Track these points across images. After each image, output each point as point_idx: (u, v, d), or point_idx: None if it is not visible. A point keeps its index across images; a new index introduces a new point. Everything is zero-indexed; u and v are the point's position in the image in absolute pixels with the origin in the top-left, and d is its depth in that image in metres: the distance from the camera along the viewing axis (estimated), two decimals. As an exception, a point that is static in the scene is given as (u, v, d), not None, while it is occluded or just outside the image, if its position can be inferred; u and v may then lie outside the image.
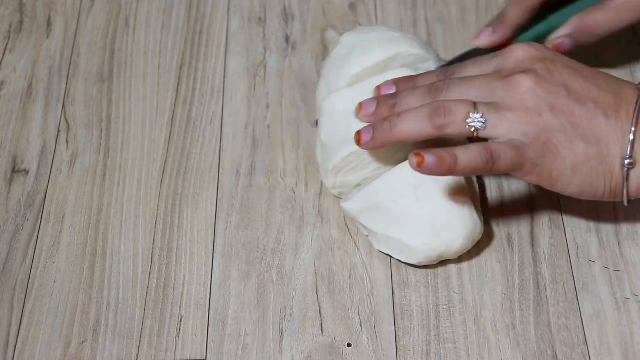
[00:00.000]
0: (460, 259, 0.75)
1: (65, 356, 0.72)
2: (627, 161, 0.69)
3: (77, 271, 0.76)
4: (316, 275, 0.75)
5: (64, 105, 0.86)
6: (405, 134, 0.71)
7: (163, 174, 0.81)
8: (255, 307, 0.73)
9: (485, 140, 0.70)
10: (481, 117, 0.69)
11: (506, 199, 0.78)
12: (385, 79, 0.76)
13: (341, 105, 0.76)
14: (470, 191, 0.75)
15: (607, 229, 0.76)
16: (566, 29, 0.78)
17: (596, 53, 0.83)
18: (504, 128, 0.69)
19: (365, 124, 0.74)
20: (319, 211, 0.78)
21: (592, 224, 0.76)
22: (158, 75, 0.88)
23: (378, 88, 0.76)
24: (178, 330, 0.73)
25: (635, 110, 0.69)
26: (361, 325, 0.72)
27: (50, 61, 0.89)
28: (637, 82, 0.83)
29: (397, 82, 0.76)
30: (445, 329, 0.72)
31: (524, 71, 0.70)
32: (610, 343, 0.71)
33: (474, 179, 0.77)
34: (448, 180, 0.73)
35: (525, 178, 0.70)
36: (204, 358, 0.71)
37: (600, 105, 0.70)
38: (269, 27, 0.91)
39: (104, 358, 0.72)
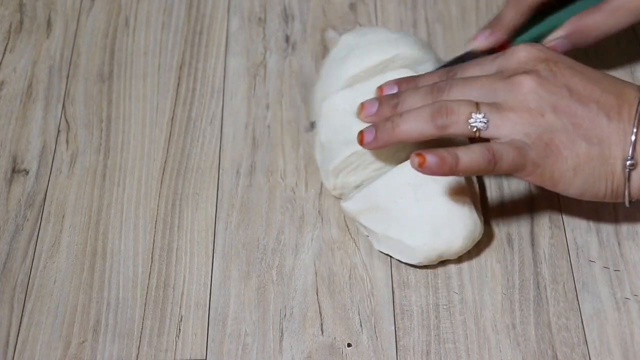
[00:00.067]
0: (460, 259, 0.75)
1: (65, 356, 0.72)
2: (628, 162, 0.69)
3: (77, 271, 0.76)
4: (316, 275, 0.75)
5: (64, 105, 0.86)
6: (407, 133, 0.71)
7: (163, 174, 0.81)
8: (255, 307, 0.73)
9: (487, 140, 0.70)
10: (483, 117, 0.69)
11: (506, 199, 0.78)
12: (386, 80, 0.76)
13: (340, 106, 0.76)
14: (470, 191, 0.75)
15: (607, 229, 0.76)
16: (562, 31, 0.78)
17: (596, 53, 0.83)
18: (506, 128, 0.69)
19: (367, 124, 0.74)
20: (319, 211, 0.78)
21: (592, 224, 0.76)
22: (158, 75, 0.88)
23: (380, 88, 0.76)
24: (178, 330, 0.73)
25: (637, 111, 0.70)
26: (361, 325, 0.72)
27: (50, 61, 0.89)
28: (638, 83, 0.83)
29: (398, 82, 0.76)
30: (445, 329, 0.72)
31: (527, 72, 0.70)
32: (610, 343, 0.71)
33: (474, 179, 0.77)
34: (448, 180, 0.73)
35: (527, 178, 0.70)
36: (204, 358, 0.71)
37: (602, 106, 0.70)
38: (269, 27, 0.91)
39: (104, 358, 0.72)
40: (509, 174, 0.70)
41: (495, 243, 0.76)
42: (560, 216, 0.77)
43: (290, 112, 0.84)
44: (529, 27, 0.80)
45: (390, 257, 0.75)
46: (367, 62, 0.78)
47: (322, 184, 0.79)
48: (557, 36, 0.78)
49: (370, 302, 0.73)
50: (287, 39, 0.90)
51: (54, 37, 0.91)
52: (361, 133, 0.73)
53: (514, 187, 0.79)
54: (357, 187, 0.77)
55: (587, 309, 0.72)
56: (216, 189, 0.80)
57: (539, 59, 0.71)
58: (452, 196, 0.73)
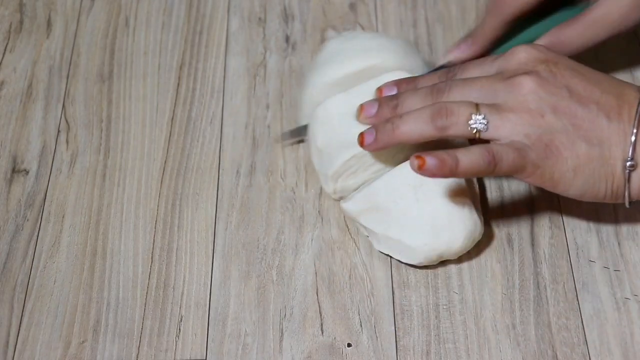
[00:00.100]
0: (460, 259, 0.75)
1: (65, 356, 0.72)
2: (628, 163, 0.69)
3: (77, 271, 0.76)
4: (316, 275, 0.75)
5: (64, 105, 0.86)
6: (407, 135, 0.71)
7: (163, 174, 0.81)
8: (255, 307, 0.73)
9: (487, 141, 0.70)
10: (483, 118, 0.69)
11: (506, 199, 0.78)
12: (383, 82, 0.76)
13: (335, 110, 0.76)
14: (470, 191, 0.75)
15: (607, 229, 0.76)
16: (541, 43, 0.78)
17: (596, 54, 0.83)
18: (506, 129, 0.69)
19: (365, 127, 0.74)
20: (319, 211, 0.78)
21: (592, 224, 0.76)
22: (158, 75, 0.88)
23: (379, 89, 0.76)
24: (178, 330, 0.73)
25: (637, 112, 0.69)
26: (361, 325, 0.72)
27: (50, 61, 0.89)
28: (637, 84, 0.83)
29: (398, 83, 0.76)
30: (445, 329, 0.72)
31: (527, 72, 0.70)
32: (610, 343, 0.71)
33: (474, 179, 0.77)
34: (448, 180, 0.73)
35: (527, 180, 0.70)
36: (204, 358, 0.71)
37: (602, 107, 0.70)
38: (269, 27, 0.91)
39: (104, 358, 0.72)
40: (509, 175, 0.70)
41: (495, 243, 0.76)
42: (560, 216, 0.77)
43: (290, 112, 0.84)
44: (509, 38, 0.80)
45: (390, 257, 0.75)
46: (346, 69, 0.79)
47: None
48: None
49: (370, 302, 0.73)
50: (287, 39, 0.90)
51: (54, 37, 0.91)
52: (361, 135, 0.73)
53: (514, 187, 0.79)
54: (357, 189, 0.77)
55: (587, 309, 0.72)
56: (216, 189, 0.80)
57: (539, 60, 0.71)
58: (452, 196, 0.73)
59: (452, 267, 0.75)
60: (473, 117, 0.69)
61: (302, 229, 0.77)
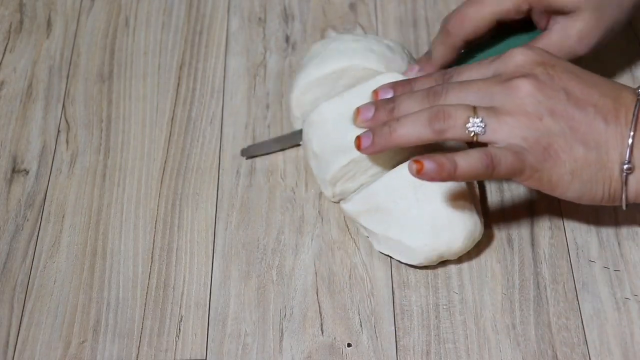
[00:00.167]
0: (460, 259, 0.75)
1: (65, 356, 0.72)
2: (625, 166, 0.69)
3: (77, 271, 0.76)
4: (316, 275, 0.75)
5: (64, 105, 0.86)
6: (404, 138, 0.71)
7: (163, 174, 0.81)
8: (255, 307, 0.73)
9: (484, 144, 0.70)
10: (481, 121, 0.69)
11: (506, 199, 0.78)
12: (379, 84, 0.76)
13: (330, 115, 0.76)
14: (470, 191, 0.75)
15: (607, 229, 0.76)
16: None
17: (597, 54, 0.83)
18: (504, 132, 0.69)
19: (362, 131, 0.74)
20: (319, 211, 0.78)
21: (592, 224, 0.76)
22: (158, 75, 0.88)
23: (375, 92, 0.76)
24: (178, 330, 0.73)
25: (634, 115, 0.69)
26: (361, 325, 0.72)
27: (50, 61, 0.89)
28: (637, 84, 0.83)
29: (394, 85, 0.76)
30: (445, 329, 0.72)
31: (524, 75, 0.70)
32: (610, 343, 0.71)
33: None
34: (448, 180, 0.73)
35: (525, 183, 0.70)
36: (204, 358, 0.71)
37: (599, 110, 0.70)
38: (269, 27, 0.91)
39: (104, 358, 0.72)
40: (507, 178, 0.70)
41: (495, 243, 0.76)
42: (560, 216, 0.77)
43: (290, 112, 0.84)
44: (464, 61, 0.80)
45: (390, 257, 0.75)
46: (321, 70, 0.79)
47: (322, 184, 0.79)
48: None
49: (370, 302, 0.73)
50: (287, 39, 0.90)
51: (54, 37, 0.91)
52: (358, 138, 0.73)
53: (514, 187, 0.79)
54: (357, 190, 0.77)
55: (587, 309, 0.72)
56: (216, 189, 0.80)
57: (537, 62, 0.71)
58: (452, 197, 0.73)
59: (452, 267, 0.75)
60: (471, 120, 0.69)
61: (302, 229, 0.77)
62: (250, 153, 0.81)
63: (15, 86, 0.87)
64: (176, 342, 0.72)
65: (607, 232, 0.76)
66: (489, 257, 0.75)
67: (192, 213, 0.79)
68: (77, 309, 0.74)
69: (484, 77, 0.72)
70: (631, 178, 0.70)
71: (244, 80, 0.87)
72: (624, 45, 0.86)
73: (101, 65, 0.88)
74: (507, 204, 0.78)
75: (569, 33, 0.76)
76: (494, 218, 0.77)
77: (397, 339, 0.72)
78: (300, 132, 0.80)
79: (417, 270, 0.75)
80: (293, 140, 0.81)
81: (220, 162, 0.82)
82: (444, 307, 0.73)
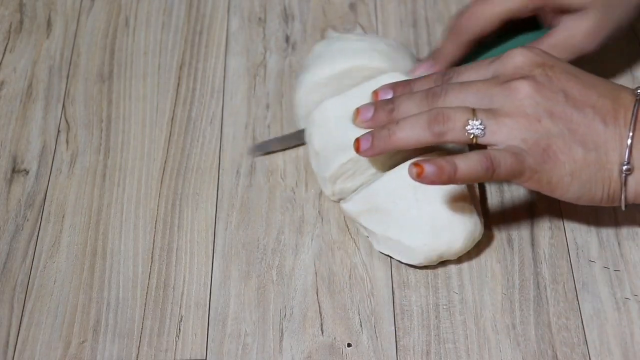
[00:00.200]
0: (460, 259, 0.75)
1: (65, 356, 0.72)
2: (624, 167, 0.69)
3: (77, 271, 0.76)
4: (316, 275, 0.75)
5: (64, 105, 0.86)
6: (404, 141, 0.71)
7: (163, 174, 0.81)
8: (255, 307, 0.73)
9: (484, 147, 0.70)
10: (480, 124, 0.69)
11: (506, 199, 0.78)
12: (379, 84, 0.76)
13: (332, 113, 0.76)
14: (470, 191, 0.75)
15: (607, 229, 0.76)
16: None
17: (596, 54, 0.83)
18: (503, 134, 0.69)
19: (362, 131, 0.74)
20: (319, 211, 0.78)
21: (592, 224, 0.76)
22: (158, 75, 0.88)
23: (375, 93, 0.76)
24: (178, 330, 0.73)
25: (632, 115, 0.70)
26: (361, 325, 0.72)
27: (50, 61, 0.89)
28: (637, 84, 0.83)
29: (393, 86, 0.76)
30: (445, 329, 0.72)
31: (523, 77, 0.70)
32: (610, 343, 0.71)
33: (474, 179, 0.77)
34: (448, 180, 0.73)
35: (524, 184, 0.70)
36: (204, 358, 0.71)
37: (598, 111, 0.70)
38: (269, 27, 0.91)
39: (104, 358, 0.72)
40: (507, 180, 0.70)
41: (495, 243, 0.76)
42: (560, 216, 0.77)
43: (290, 112, 0.84)
44: (472, 58, 0.80)
45: (390, 257, 0.75)
46: (326, 70, 0.79)
47: (322, 184, 0.79)
48: None
49: (370, 302, 0.73)
50: (287, 39, 0.90)
51: (54, 37, 0.91)
52: (357, 141, 0.73)
53: (514, 187, 0.79)
54: (356, 190, 0.77)
55: (587, 309, 0.72)
56: (216, 189, 0.80)
57: (536, 64, 0.71)
58: (452, 197, 0.73)
59: (452, 267, 0.75)
60: (470, 123, 0.69)
61: (302, 229, 0.77)
62: (263, 149, 0.81)
63: (15, 86, 0.87)
64: (176, 342, 0.72)
65: (607, 232, 0.76)
66: (489, 257, 0.75)
67: (192, 213, 0.79)
68: (77, 309, 0.74)
69: (484, 78, 0.72)
70: (630, 179, 0.70)
71: (244, 80, 0.87)
72: (624, 45, 0.86)
73: (101, 65, 0.88)
74: (507, 204, 0.78)
75: (576, 31, 0.76)
76: (494, 218, 0.77)
77: (397, 339, 0.72)
78: None
79: (417, 270, 0.75)
80: (300, 138, 0.81)
81: (220, 162, 0.82)
82: (444, 307, 0.73)
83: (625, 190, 0.70)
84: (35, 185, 0.81)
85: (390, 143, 0.71)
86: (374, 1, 0.92)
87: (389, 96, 0.75)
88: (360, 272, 0.75)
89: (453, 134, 0.70)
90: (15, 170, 0.82)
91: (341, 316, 0.73)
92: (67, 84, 0.87)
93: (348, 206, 0.75)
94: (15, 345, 0.72)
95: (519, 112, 0.69)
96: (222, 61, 0.88)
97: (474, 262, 0.75)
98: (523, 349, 0.71)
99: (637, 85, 0.78)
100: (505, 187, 0.79)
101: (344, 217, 0.77)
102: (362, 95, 0.76)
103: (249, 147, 0.82)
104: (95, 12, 0.93)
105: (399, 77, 0.77)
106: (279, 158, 0.81)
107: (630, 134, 0.69)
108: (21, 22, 0.92)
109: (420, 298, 0.73)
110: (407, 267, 0.75)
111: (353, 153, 0.74)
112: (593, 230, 0.76)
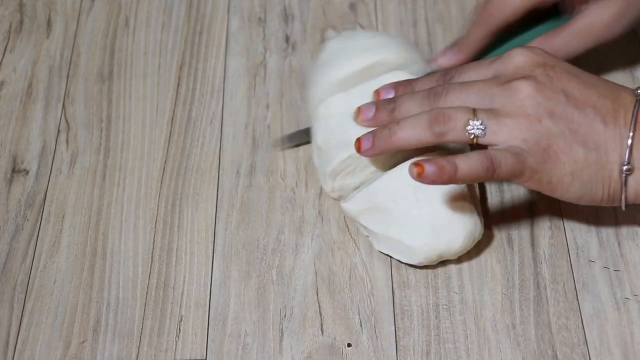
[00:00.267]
0: (460, 259, 0.75)
1: (65, 356, 0.72)
2: (625, 167, 0.69)
3: (77, 271, 0.76)
4: (316, 275, 0.75)
5: (64, 105, 0.86)
6: (404, 141, 0.71)
7: (163, 174, 0.81)
8: (255, 307, 0.73)
9: (484, 147, 0.70)
10: (481, 124, 0.69)
11: (506, 199, 0.78)
12: (382, 83, 0.76)
13: (336, 110, 0.76)
14: (470, 191, 0.75)
15: (607, 229, 0.76)
16: None
17: (597, 54, 0.83)
18: (504, 134, 0.69)
19: (364, 128, 0.74)
20: (319, 211, 0.78)
21: (592, 224, 0.76)
22: (158, 75, 0.88)
23: (377, 92, 0.76)
24: (178, 330, 0.73)
25: (633, 115, 0.70)
26: (361, 325, 0.72)
27: (50, 61, 0.89)
28: (637, 84, 0.83)
29: (395, 86, 0.76)
30: (445, 329, 0.72)
31: (524, 77, 0.70)
32: (610, 343, 0.71)
33: (474, 179, 0.77)
34: (448, 180, 0.73)
35: (525, 184, 0.70)
36: (204, 358, 0.71)
37: (598, 111, 0.70)
38: (269, 27, 0.91)
39: (104, 358, 0.72)
40: (507, 180, 0.70)
41: (495, 243, 0.76)
42: (560, 216, 0.77)
43: (290, 112, 0.84)
44: (495, 47, 0.80)
45: (390, 257, 0.75)
46: (349, 68, 0.79)
47: (322, 184, 0.79)
48: None
49: (370, 302, 0.73)
50: (287, 39, 0.90)
51: (54, 37, 0.91)
52: (358, 140, 0.73)
53: (514, 187, 0.79)
54: (356, 189, 0.77)
55: (587, 309, 0.72)
56: (216, 189, 0.80)
57: (536, 64, 0.71)
58: (452, 197, 0.73)
59: (452, 267, 0.75)
60: (471, 123, 0.69)
61: (302, 229, 0.77)
62: (292, 141, 0.81)
63: (15, 86, 0.87)
64: (176, 342, 0.72)
65: (607, 232, 0.76)
66: (489, 257, 0.75)
67: (192, 213, 0.79)
68: (77, 309, 0.74)
69: (485, 78, 0.72)
70: (630, 179, 0.70)
71: (244, 80, 0.87)
72: (624, 45, 0.86)
73: (101, 65, 0.88)
74: (507, 204, 0.78)
75: (598, 19, 0.77)
76: (494, 218, 0.77)
77: (397, 339, 0.72)
78: None
79: (417, 270, 0.75)
80: None
81: (220, 162, 0.82)
82: (444, 307, 0.73)
83: (626, 191, 0.70)
84: (35, 185, 0.81)
85: (391, 143, 0.71)
86: (374, 1, 0.92)
87: (391, 95, 0.75)
88: (360, 272, 0.75)
89: (454, 134, 0.70)
90: (15, 170, 0.82)
91: (341, 316, 0.73)
92: (67, 84, 0.87)
93: (348, 205, 0.75)
94: (15, 345, 0.72)
95: (520, 112, 0.69)
96: (222, 61, 0.88)
97: (474, 262, 0.75)
98: (523, 349, 0.71)
99: (637, 85, 0.78)
100: (505, 187, 0.79)
101: (344, 217, 0.77)
102: (365, 93, 0.76)
103: (276, 139, 0.81)
104: (95, 12, 0.93)
105: (402, 76, 0.77)
106: (279, 158, 0.81)
107: (631, 134, 0.69)
108: (21, 22, 0.92)
109: (420, 298, 0.73)
110: (407, 267, 0.75)
111: (354, 150, 0.74)
112: (593, 230, 0.76)
